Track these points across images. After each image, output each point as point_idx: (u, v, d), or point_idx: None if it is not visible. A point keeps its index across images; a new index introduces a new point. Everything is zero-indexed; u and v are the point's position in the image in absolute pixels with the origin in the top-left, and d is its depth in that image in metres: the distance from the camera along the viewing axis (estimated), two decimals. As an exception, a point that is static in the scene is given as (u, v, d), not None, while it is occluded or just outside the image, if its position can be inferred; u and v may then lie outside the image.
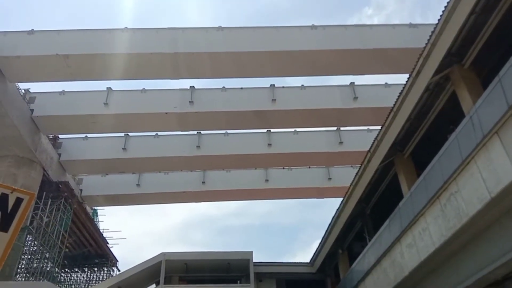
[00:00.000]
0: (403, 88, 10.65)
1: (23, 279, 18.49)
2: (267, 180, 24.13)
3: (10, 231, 3.05)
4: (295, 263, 21.71)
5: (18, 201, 3.15)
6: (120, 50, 16.60)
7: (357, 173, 14.16)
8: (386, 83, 19.57)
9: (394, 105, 11.19)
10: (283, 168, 24.28)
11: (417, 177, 10.82)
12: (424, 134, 11.51)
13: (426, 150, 10.65)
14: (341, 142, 21.43)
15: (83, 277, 27.22)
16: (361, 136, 21.01)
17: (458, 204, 8.23)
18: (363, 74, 18.61)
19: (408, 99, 10.59)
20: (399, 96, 10.93)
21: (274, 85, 19.46)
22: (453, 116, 9.64)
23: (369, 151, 12.98)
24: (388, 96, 16.32)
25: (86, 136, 21.72)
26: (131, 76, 17.87)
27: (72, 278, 27.11)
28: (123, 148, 21.19)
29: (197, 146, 21.23)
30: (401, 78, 15.14)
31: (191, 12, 61.75)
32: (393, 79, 19.70)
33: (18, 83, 17.78)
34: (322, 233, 18.61)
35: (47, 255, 19.05)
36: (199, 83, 51.58)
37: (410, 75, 10.28)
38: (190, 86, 19.24)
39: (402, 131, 11.43)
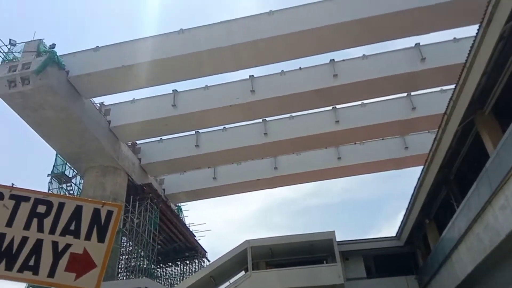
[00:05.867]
0: (474, 40, 9.82)
1: (124, 278, 20.06)
2: (339, 158, 23.73)
3: (106, 241, 3.35)
4: (380, 238, 21.23)
5: (109, 213, 3.47)
6: (178, 52, 17.09)
7: (435, 138, 13.43)
8: (454, 38, 18.19)
9: (467, 60, 10.38)
10: (355, 144, 23.68)
11: (502, 134, 9.99)
12: (504, 87, 10.56)
13: (510, 104, 9.78)
14: (413, 108, 20.35)
15: (177, 270, 28.93)
16: (435, 99, 19.80)
17: (555, 157, 7.49)
18: (428, 33, 17.40)
19: (481, 52, 9.75)
20: (470, 50, 10.11)
21: (334, 59, 18.95)
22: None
23: (445, 113, 12.23)
24: (458, 52, 15.18)
25: (161, 138, 22.85)
26: (192, 76, 18.34)
27: (167, 272, 28.93)
28: (195, 145, 22.00)
29: (264, 134, 21.40)
30: (471, 30, 13.99)
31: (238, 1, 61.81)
32: (462, 32, 18.24)
33: (93, 99, 19.08)
34: (405, 204, 17.97)
35: (142, 253, 20.46)
36: (258, 71, 51.74)
37: (480, 26, 9.44)
38: (250, 76, 19.37)
39: (479, 87, 10.58)
